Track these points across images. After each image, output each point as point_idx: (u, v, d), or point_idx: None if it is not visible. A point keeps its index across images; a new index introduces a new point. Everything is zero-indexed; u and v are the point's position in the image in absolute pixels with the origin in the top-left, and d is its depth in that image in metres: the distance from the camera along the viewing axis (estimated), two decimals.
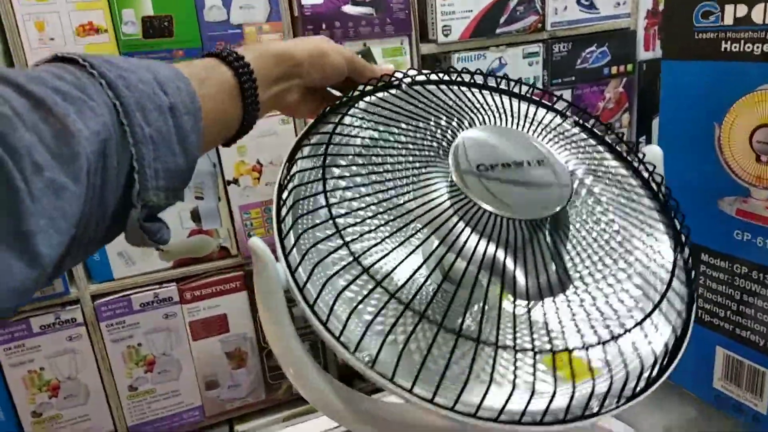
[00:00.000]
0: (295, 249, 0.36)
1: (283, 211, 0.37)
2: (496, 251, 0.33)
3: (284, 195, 0.38)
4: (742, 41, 0.49)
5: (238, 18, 1.17)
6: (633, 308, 0.35)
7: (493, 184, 0.34)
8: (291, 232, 0.36)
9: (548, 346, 0.31)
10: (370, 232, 0.34)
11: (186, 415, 1.34)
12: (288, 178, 0.39)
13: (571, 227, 0.36)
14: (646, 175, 0.41)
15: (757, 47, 0.48)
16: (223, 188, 1.24)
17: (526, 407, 0.29)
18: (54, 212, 0.26)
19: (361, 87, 0.43)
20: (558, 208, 0.35)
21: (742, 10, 0.48)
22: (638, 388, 0.35)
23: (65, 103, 0.28)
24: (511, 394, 0.29)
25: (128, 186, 0.32)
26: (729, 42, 0.50)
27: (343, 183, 0.38)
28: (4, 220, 0.24)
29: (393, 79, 0.41)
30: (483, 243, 0.32)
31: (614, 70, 1.58)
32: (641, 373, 0.35)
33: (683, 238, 0.38)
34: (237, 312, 1.32)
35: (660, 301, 0.36)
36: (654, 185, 0.40)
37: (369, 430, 0.40)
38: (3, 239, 0.24)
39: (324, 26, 1.22)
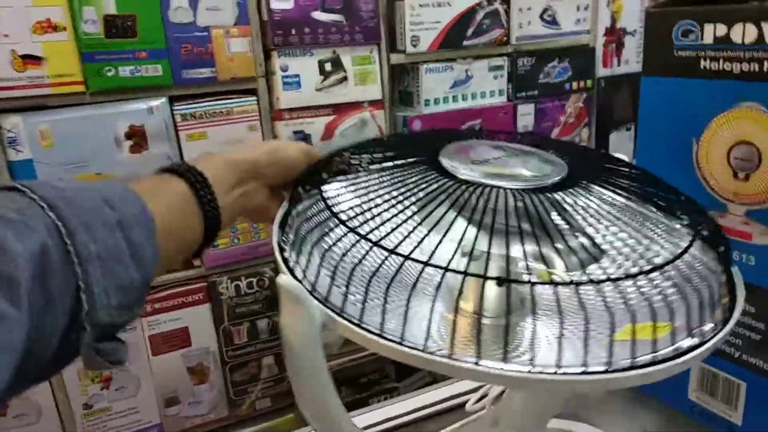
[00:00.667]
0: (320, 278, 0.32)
1: (287, 247, 0.34)
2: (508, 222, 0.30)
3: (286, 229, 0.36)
4: (721, 59, 0.50)
5: (205, 20, 1.14)
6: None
7: (487, 168, 0.33)
8: (306, 266, 0.32)
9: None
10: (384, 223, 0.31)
11: None
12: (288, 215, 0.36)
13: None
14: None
15: (736, 66, 0.49)
16: None
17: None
18: None
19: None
20: (563, 174, 0.33)
21: (721, 29, 0.49)
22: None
23: (3, 226, 0.28)
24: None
25: (77, 307, 0.30)
26: (708, 60, 0.51)
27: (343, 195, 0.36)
28: None
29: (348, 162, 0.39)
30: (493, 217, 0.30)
31: (575, 85, 1.62)
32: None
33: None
34: (199, 325, 1.28)
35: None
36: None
37: None
38: None
39: (293, 31, 1.20)
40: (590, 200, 0.31)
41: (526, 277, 0.28)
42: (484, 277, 0.28)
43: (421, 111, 1.39)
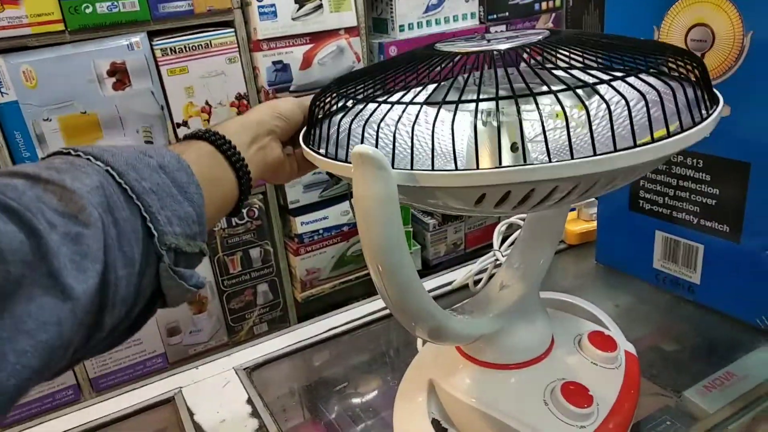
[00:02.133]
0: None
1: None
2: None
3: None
4: None
5: None
6: None
7: (480, 45, 0.36)
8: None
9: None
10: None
11: (150, 363, 1.35)
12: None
13: None
14: None
15: None
16: (172, 131, 1.22)
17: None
18: (75, 256, 0.28)
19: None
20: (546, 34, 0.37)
21: None
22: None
23: (59, 174, 0.30)
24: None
25: (148, 237, 0.32)
26: None
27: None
28: (37, 265, 0.26)
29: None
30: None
31: (544, 5, 1.64)
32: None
33: None
34: None
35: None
36: None
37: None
38: (37, 281, 0.26)
39: None
40: (574, 48, 0.34)
41: (544, 88, 0.30)
42: (515, 96, 0.30)
43: (395, 37, 1.41)
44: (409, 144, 0.32)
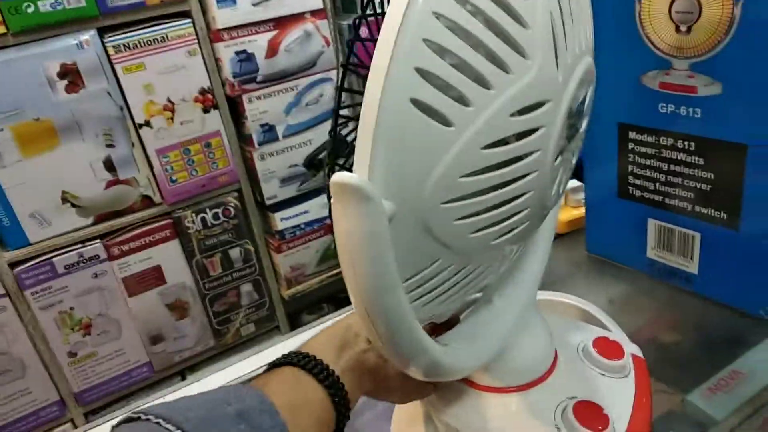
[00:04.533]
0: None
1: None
2: None
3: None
4: None
5: None
6: None
7: None
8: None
9: None
10: None
11: (135, 373, 1.31)
12: None
13: None
14: None
15: None
16: (135, 132, 1.16)
17: None
18: None
19: None
20: None
21: None
22: None
23: None
24: None
25: None
26: None
27: None
28: None
29: None
30: None
31: None
32: None
33: None
34: (171, 261, 1.27)
35: None
36: None
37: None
38: None
39: None
40: None
41: None
42: None
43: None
44: None
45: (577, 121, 0.33)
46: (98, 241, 1.17)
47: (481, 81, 0.25)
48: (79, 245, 1.16)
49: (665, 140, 0.55)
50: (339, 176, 0.24)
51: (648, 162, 0.58)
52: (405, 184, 0.25)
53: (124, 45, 1.09)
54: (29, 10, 1.00)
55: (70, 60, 1.06)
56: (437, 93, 0.24)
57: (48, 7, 1.02)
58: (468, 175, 0.26)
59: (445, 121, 0.24)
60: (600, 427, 0.37)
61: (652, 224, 0.60)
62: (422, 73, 0.24)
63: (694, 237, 0.56)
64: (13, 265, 1.10)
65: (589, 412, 0.38)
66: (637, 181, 0.60)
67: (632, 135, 0.58)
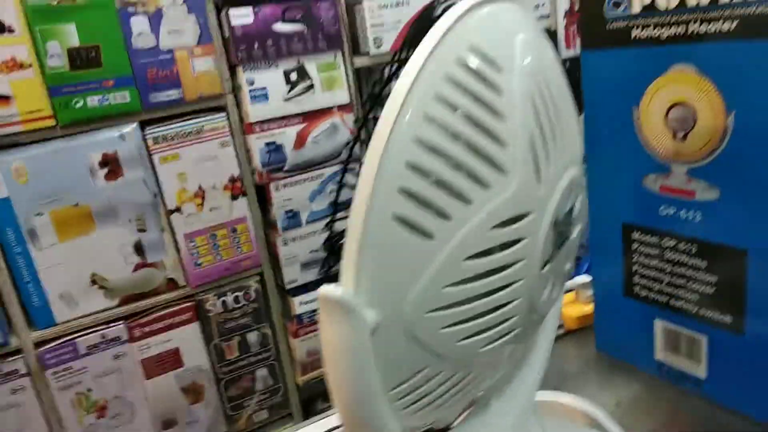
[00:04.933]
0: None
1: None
2: None
3: None
4: (651, 26, 0.52)
5: (168, 43, 1.16)
6: None
7: None
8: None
9: None
10: None
11: None
12: None
13: None
14: None
15: (663, 32, 0.51)
16: (165, 218, 1.21)
17: None
18: None
19: None
20: None
21: None
22: None
23: None
24: None
25: None
26: (639, 28, 0.53)
27: None
28: None
29: None
30: None
31: None
32: None
33: None
34: (190, 344, 1.28)
35: None
36: None
37: None
38: None
39: (256, 45, 1.22)
40: None
41: None
42: None
43: None
44: None
45: (567, 229, 0.34)
46: (122, 322, 1.20)
47: (461, 197, 0.27)
48: (103, 326, 1.18)
49: (668, 242, 0.56)
50: (324, 289, 0.26)
51: (652, 262, 0.58)
52: (390, 293, 0.27)
53: (162, 137, 1.17)
54: (78, 105, 1.09)
55: (112, 150, 1.13)
56: (419, 209, 0.26)
57: (96, 102, 1.10)
58: (452, 285, 0.28)
59: (427, 235, 0.27)
60: None
61: (659, 325, 0.60)
62: (404, 192, 0.26)
63: (701, 340, 0.56)
64: (38, 344, 1.13)
65: None
66: (643, 281, 0.60)
67: (636, 235, 0.60)
